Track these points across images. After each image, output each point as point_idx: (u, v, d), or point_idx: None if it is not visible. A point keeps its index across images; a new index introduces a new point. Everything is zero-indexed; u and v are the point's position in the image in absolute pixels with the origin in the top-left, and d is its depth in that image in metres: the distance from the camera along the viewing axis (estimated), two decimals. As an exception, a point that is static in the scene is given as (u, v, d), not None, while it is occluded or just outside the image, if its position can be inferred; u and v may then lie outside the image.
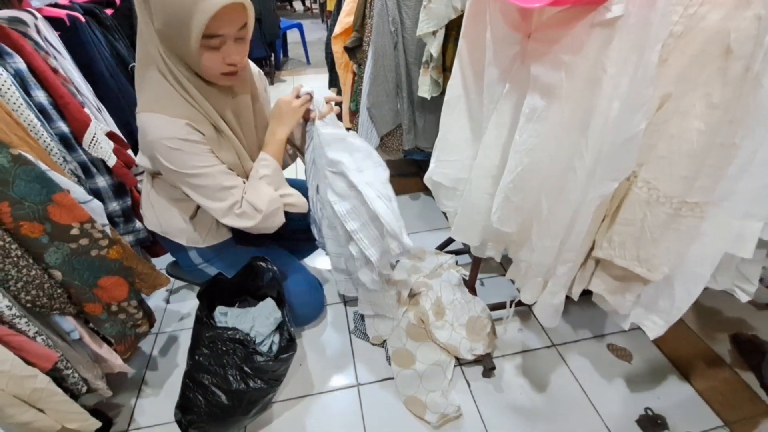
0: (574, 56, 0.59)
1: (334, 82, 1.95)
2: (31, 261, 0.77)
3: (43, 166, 0.80)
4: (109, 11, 1.36)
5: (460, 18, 1.14)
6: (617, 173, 0.66)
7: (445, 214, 1.15)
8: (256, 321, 1.05)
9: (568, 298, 0.87)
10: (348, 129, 1.88)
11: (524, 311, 1.32)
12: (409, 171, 2.04)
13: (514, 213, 0.77)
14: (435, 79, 1.26)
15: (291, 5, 6.23)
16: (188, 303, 1.38)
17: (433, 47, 1.18)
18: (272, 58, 3.48)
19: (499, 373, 1.14)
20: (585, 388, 1.10)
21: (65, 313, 0.83)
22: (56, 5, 1.17)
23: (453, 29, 1.18)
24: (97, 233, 0.86)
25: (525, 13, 0.72)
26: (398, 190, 1.90)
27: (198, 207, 1.01)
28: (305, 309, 1.23)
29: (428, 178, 1.11)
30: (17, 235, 0.76)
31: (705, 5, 0.55)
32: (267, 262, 1.07)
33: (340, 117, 1.08)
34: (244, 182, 0.94)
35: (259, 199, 0.90)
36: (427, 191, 1.93)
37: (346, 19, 1.43)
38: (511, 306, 0.98)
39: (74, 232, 0.82)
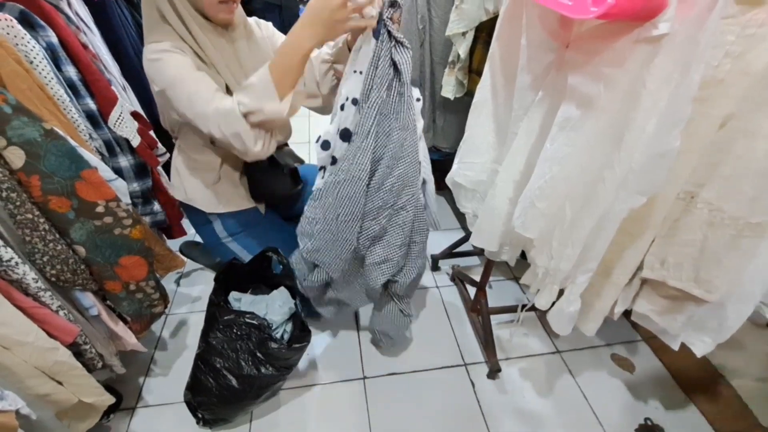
0: (615, 70, 0.60)
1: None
2: (57, 236, 0.77)
3: (73, 142, 0.80)
4: (135, -12, 1.36)
5: (490, 20, 1.14)
6: (647, 187, 0.67)
7: (459, 216, 1.16)
8: (269, 309, 1.06)
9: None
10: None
11: (530, 316, 1.33)
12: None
13: (538, 219, 0.78)
14: (460, 80, 1.26)
15: (307, -8, 6.18)
16: (198, 287, 1.39)
17: (462, 48, 1.18)
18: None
19: (503, 375, 1.15)
20: (587, 395, 1.12)
21: (86, 289, 0.84)
22: (85, -21, 1.16)
23: (483, 31, 1.18)
24: (122, 212, 0.86)
25: (565, 22, 0.72)
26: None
27: (220, 174, 1.01)
28: None
29: (450, 178, 1.11)
30: (45, 209, 0.76)
31: (765, 27, 0.56)
32: (278, 253, 1.07)
33: None
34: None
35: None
36: (440, 191, 1.93)
37: (373, 12, 1.42)
38: (522, 310, 1.00)
39: (99, 209, 0.83)
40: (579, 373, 1.18)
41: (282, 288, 1.10)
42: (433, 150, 1.58)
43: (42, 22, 0.85)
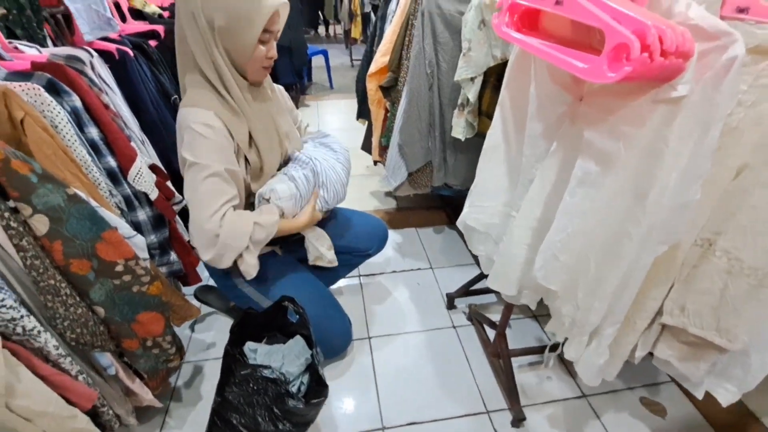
0: (634, 129, 0.60)
1: (363, 114, 1.98)
2: (78, 299, 0.78)
3: (94, 204, 0.82)
4: (153, 43, 1.42)
5: (498, 65, 1.16)
6: (669, 237, 0.66)
7: (476, 257, 1.14)
8: (286, 359, 1.04)
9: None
10: (376, 162, 1.91)
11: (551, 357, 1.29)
12: (434, 205, 2.05)
13: (560, 271, 0.76)
14: (470, 122, 1.28)
15: (316, 31, 6.40)
16: (213, 333, 1.38)
17: (471, 93, 1.20)
18: (298, 84, 3.57)
19: (528, 423, 1.11)
20: (618, 443, 1.07)
21: (105, 350, 0.84)
22: (107, 39, 1.21)
23: (492, 75, 1.20)
24: (140, 270, 0.87)
25: (577, 77, 0.73)
26: (423, 223, 1.93)
27: None
28: (332, 340, 1.22)
29: (462, 221, 1.11)
30: (66, 272, 0.77)
31: None
32: (294, 303, 1.06)
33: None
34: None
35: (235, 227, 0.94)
36: (452, 225, 1.93)
37: (381, 59, 1.46)
38: (548, 354, 0.96)
39: (119, 268, 0.83)
40: (607, 419, 1.13)
41: (298, 337, 1.09)
42: (444, 187, 1.59)
43: (67, 88, 0.89)
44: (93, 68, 1.01)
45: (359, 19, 4.40)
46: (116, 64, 1.18)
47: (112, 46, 1.17)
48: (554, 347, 0.99)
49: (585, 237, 0.71)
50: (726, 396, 0.77)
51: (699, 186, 0.61)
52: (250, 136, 0.98)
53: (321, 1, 4.99)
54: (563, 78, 0.77)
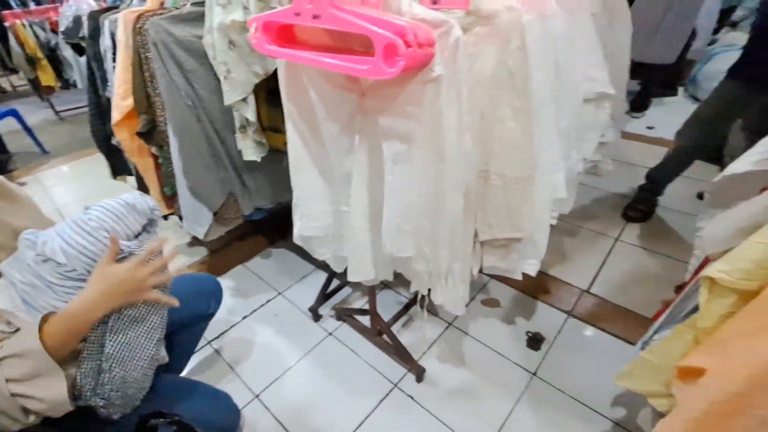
0: (416, 108, 0.73)
1: (121, 169, 1.65)
2: None
3: None
4: None
5: (264, 80, 1.17)
6: (466, 178, 0.86)
7: (309, 259, 1.17)
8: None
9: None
10: (167, 216, 1.64)
11: (414, 309, 1.48)
12: (247, 232, 1.93)
13: (408, 239, 0.88)
14: (258, 140, 1.25)
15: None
16: None
17: (249, 113, 1.17)
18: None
19: (428, 371, 1.26)
20: (488, 344, 1.34)
21: None
22: None
23: (260, 90, 1.19)
24: None
25: (351, 76, 0.82)
26: (246, 256, 1.81)
27: None
28: (222, 426, 1.05)
29: (298, 235, 1.11)
30: None
31: (479, 46, 0.78)
32: (165, 415, 0.86)
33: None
34: None
35: None
36: (275, 244, 1.88)
37: (123, 103, 1.24)
38: (423, 309, 1.10)
39: None
40: (471, 330, 1.39)
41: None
42: (256, 211, 1.52)
43: None
44: None
45: (45, 62, 3.49)
46: None
47: None
48: (420, 301, 1.14)
49: (416, 204, 0.83)
50: (532, 268, 1.07)
51: (469, 137, 0.80)
52: None
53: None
54: (339, 80, 0.85)
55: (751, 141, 0.79)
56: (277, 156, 1.41)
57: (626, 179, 2.05)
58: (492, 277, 1.59)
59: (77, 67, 3.42)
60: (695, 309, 0.68)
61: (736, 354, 0.56)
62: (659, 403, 0.79)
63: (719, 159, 1.90)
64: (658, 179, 1.81)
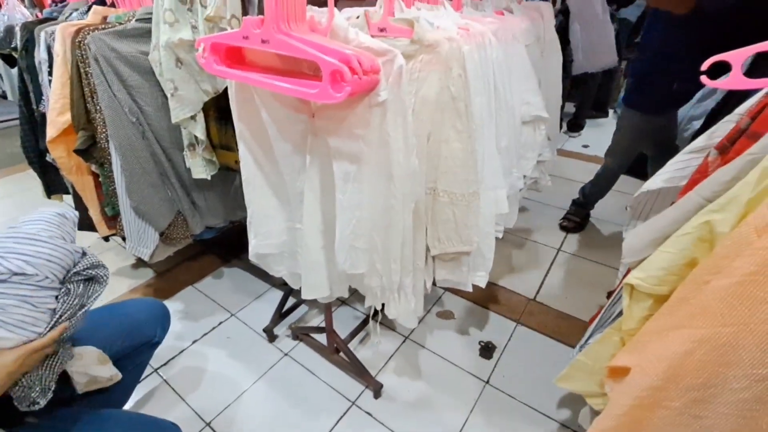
0: (364, 130, 0.76)
1: (55, 188, 1.54)
2: None
3: None
4: None
5: (214, 98, 1.16)
6: (414, 196, 0.90)
7: (262, 276, 1.16)
8: None
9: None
10: (108, 237, 1.55)
11: (370, 327, 1.49)
12: (197, 251, 1.86)
13: (361, 255, 0.90)
14: (208, 158, 1.23)
15: None
16: None
17: (198, 130, 1.15)
18: None
19: (385, 386, 1.27)
20: (443, 355, 1.37)
21: None
22: None
23: (210, 108, 1.18)
24: None
25: (303, 99, 0.84)
26: (197, 276, 1.74)
27: None
28: None
29: (254, 253, 1.10)
30: None
31: (423, 71, 0.83)
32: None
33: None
34: None
35: None
36: (228, 263, 1.82)
37: (60, 118, 1.17)
38: (376, 324, 1.12)
39: None
40: (427, 343, 1.42)
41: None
42: (207, 230, 1.48)
43: None
44: None
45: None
46: None
47: None
48: (373, 316, 1.15)
49: (366, 221, 0.86)
50: (481, 280, 1.13)
51: (415, 156, 0.84)
52: None
53: None
54: (290, 101, 0.86)
55: (662, 158, 0.90)
56: (228, 174, 1.39)
57: (565, 194, 2.20)
58: (446, 289, 1.64)
59: (7, 78, 3.16)
60: (621, 313, 0.76)
61: (652, 351, 0.62)
62: (596, 402, 0.85)
63: (644, 174, 2.10)
64: (590, 193, 1.97)
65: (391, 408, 1.22)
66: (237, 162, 1.30)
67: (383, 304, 1.04)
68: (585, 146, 2.96)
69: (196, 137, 1.17)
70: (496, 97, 1.05)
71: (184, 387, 1.29)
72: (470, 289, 1.15)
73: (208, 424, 1.18)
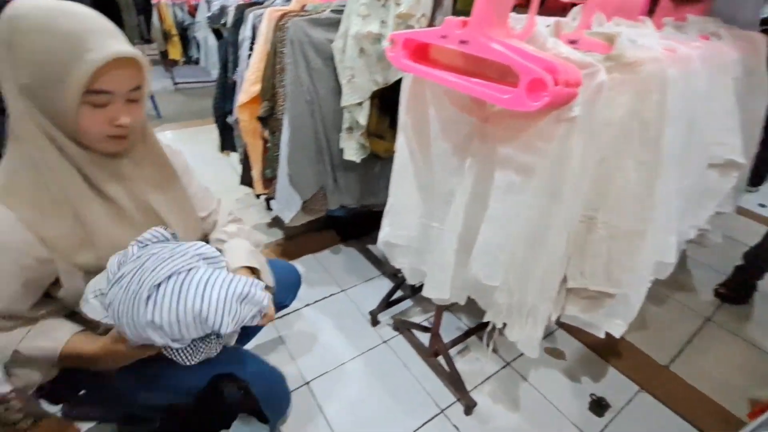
0: (544, 143, 0.73)
1: (227, 145, 1.81)
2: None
3: None
4: None
5: (380, 89, 1.23)
6: (575, 220, 0.84)
7: (375, 262, 1.19)
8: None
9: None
10: (259, 196, 1.77)
11: (472, 340, 1.45)
12: (322, 225, 2.02)
13: (501, 268, 0.87)
14: (362, 143, 1.31)
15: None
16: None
17: (361, 116, 1.23)
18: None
19: (477, 406, 1.22)
20: (544, 393, 1.27)
21: None
22: None
23: (374, 98, 1.26)
24: (14, 414, 0.63)
25: (478, 101, 0.84)
26: (318, 247, 1.89)
27: None
28: (279, 398, 1.09)
29: (384, 240, 1.14)
30: None
31: (614, 90, 0.76)
32: (234, 378, 0.91)
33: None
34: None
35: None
36: (346, 243, 1.94)
37: (252, 88, 1.37)
38: (491, 341, 1.07)
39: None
40: (530, 376, 1.33)
41: (242, 420, 0.94)
42: (339, 208, 1.59)
43: None
44: None
45: (176, 38, 3.96)
46: None
47: None
48: (489, 332, 1.11)
49: (516, 236, 0.83)
50: (617, 329, 1.01)
51: (588, 180, 0.79)
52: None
53: (119, 21, 4.29)
54: (464, 102, 0.87)
55: None
56: (372, 161, 1.47)
57: (729, 256, 1.85)
58: (560, 325, 1.51)
59: (204, 48, 3.83)
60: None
61: None
62: None
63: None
64: (756, 261, 1.62)
65: (479, 429, 1.17)
66: (386, 151, 1.38)
67: (504, 324, 1.00)
68: (762, 205, 2.45)
69: (357, 122, 1.26)
70: (690, 131, 0.91)
71: (291, 343, 1.41)
72: (602, 335, 1.03)
73: (307, 383, 1.28)
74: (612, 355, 1.41)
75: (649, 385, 1.32)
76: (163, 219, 0.77)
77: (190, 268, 0.66)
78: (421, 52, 0.91)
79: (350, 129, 1.31)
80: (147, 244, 0.70)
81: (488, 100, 0.70)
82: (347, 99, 1.21)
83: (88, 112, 0.62)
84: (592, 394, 1.27)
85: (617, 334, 1.02)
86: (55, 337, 0.70)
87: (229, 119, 1.73)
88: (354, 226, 1.97)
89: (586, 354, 1.42)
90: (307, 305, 1.58)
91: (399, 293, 1.58)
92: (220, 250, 0.77)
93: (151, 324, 0.63)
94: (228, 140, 1.82)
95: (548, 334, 1.49)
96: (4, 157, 0.66)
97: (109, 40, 0.61)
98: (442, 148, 0.95)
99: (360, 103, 1.22)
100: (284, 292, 1.20)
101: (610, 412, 1.23)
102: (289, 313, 1.53)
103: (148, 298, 0.62)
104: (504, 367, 1.36)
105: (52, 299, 0.73)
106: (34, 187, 0.64)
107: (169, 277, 0.64)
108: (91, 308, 0.67)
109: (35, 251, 0.65)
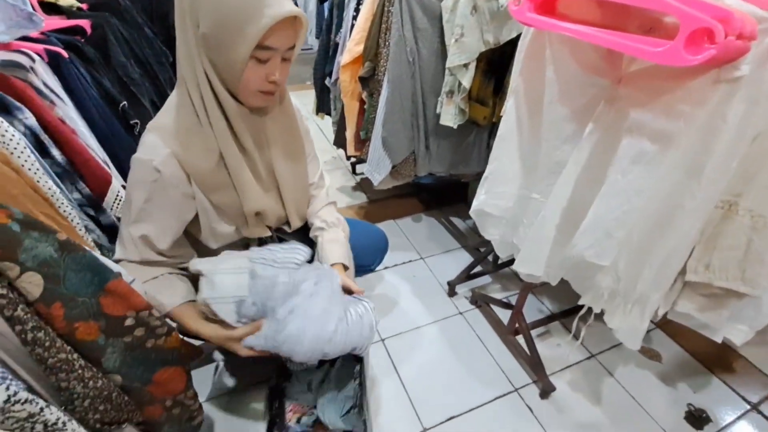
0: (694, 108, 0.63)
1: (323, 107, 1.87)
2: (95, 370, 0.62)
3: (89, 249, 0.65)
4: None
5: (487, 51, 1.16)
6: (713, 204, 0.73)
7: (456, 236, 1.16)
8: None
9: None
10: (350, 158, 1.82)
11: (554, 325, 1.38)
12: (406, 192, 2.02)
13: (613, 247, 0.80)
14: (462, 108, 1.27)
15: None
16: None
17: (465, 79, 1.19)
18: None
19: (554, 392, 1.17)
20: (631, 393, 1.18)
21: (132, 422, 0.69)
22: (28, 39, 0.97)
23: (481, 61, 1.20)
24: (155, 321, 0.72)
25: (613, 60, 0.75)
26: (400, 213, 1.90)
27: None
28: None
29: (478, 209, 1.11)
30: (72, 341, 0.61)
31: None
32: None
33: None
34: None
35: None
36: (428, 211, 1.94)
37: (356, 48, 1.38)
38: (584, 326, 1.01)
39: (129, 322, 0.68)
40: (617, 372, 1.24)
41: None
42: (428, 175, 1.58)
43: (17, 104, 0.69)
44: (37, 75, 0.79)
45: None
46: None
47: (39, 47, 0.93)
48: (582, 317, 1.04)
49: (639, 212, 0.75)
50: (740, 336, 0.88)
51: (738, 158, 0.67)
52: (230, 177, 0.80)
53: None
54: (593, 61, 0.79)
55: None
56: (467, 128, 1.42)
57: None
58: (657, 325, 1.37)
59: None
60: None
61: None
62: None
63: None
64: None
65: (556, 416, 1.12)
66: (485, 118, 1.32)
67: (602, 310, 0.93)
68: None
69: (459, 84, 1.21)
70: None
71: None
72: (719, 340, 0.92)
73: (383, 341, 1.32)
74: (719, 367, 1.25)
75: (762, 405, 1.15)
76: (281, 188, 0.88)
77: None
78: (548, 6, 0.83)
79: (450, 93, 1.27)
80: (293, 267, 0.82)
81: (635, 54, 0.62)
82: (453, 60, 1.17)
83: (252, 66, 0.70)
84: (689, 404, 1.15)
85: (739, 342, 0.89)
86: (170, 295, 0.80)
87: (328, 82, 1.77)
88: (438, 195, 1.95)
89: (687, 360, 1.28)
90: (386, 268, 1.61)
91: (478, 268, 1.54)
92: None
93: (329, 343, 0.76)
94: (324, 103, 1.88)
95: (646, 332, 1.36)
96: (169, 98, 0.75)
97: None
98: (558, 113, 0.88)
99: (466, 65, 1.17)
100: (371, 256, 1.24)
101: (710, 427, 1.10)
102: (366, 273, 1.58)
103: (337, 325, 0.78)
104: (588, 358, 1.28)
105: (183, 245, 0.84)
106: (189, 127, 0.74)
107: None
108: (227, 312, 0.77)
109: (183, 186, 0.74)
